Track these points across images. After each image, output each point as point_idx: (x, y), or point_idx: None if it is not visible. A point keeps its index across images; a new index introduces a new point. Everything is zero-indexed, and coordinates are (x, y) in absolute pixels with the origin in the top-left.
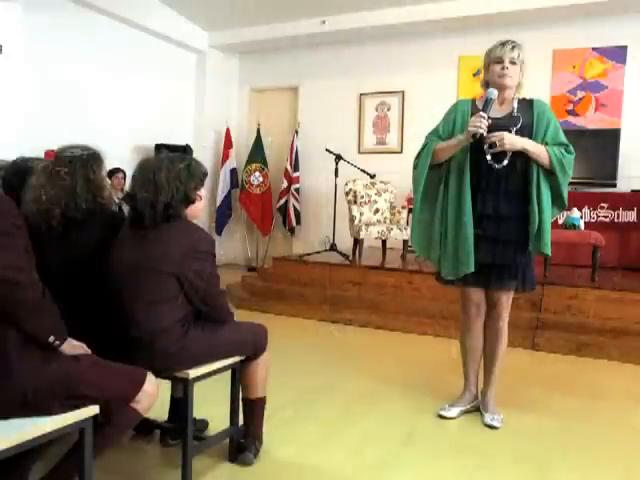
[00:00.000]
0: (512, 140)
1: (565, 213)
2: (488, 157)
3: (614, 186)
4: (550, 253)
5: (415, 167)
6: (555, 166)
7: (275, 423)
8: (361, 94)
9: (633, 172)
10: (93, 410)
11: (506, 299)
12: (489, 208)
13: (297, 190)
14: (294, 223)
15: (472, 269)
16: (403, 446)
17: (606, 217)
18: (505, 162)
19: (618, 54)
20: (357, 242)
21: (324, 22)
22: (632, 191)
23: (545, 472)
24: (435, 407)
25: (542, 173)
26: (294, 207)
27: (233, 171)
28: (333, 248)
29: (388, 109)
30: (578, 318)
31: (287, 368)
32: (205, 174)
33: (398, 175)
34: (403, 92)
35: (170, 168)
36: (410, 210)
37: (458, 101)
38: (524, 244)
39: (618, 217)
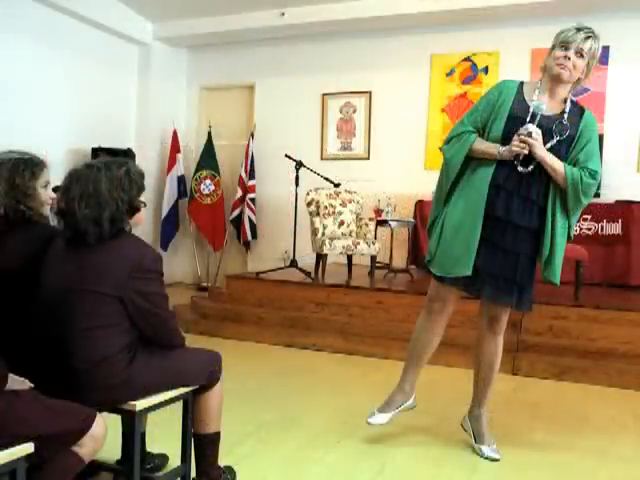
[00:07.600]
0: (537, 147)
1: None
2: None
3: (598, 196)
4: (559, 282)
5: (445, 154)
6: (568, 186)
7: (231, 460)
8: (324, 94)
9: (618, 181)
10: (26, 449)
11: (505, 316)
12: (500, 210)
13: (253, 200)
14: (249, 237)
15: (469, 272)
16: None
17: (589, 229)
18: (531, 167)
19: (600, 55)
20: (320, 258)
21: (283, 14)
22: (617, 201)
23: None
24: (406, 441)
25: (561, 193)
26: (249, 219)
27: (181, 178)
28: (293, 264)
29: (354, 111)
30: (561, 340)
31: (243, 399)
32: (143, 175)
33: (365, 183)
34: (370, 93)
35: (110, 177)
36: (378, 222)
37: (504, 81)
38: (529, 259)
39: (602, 229)
